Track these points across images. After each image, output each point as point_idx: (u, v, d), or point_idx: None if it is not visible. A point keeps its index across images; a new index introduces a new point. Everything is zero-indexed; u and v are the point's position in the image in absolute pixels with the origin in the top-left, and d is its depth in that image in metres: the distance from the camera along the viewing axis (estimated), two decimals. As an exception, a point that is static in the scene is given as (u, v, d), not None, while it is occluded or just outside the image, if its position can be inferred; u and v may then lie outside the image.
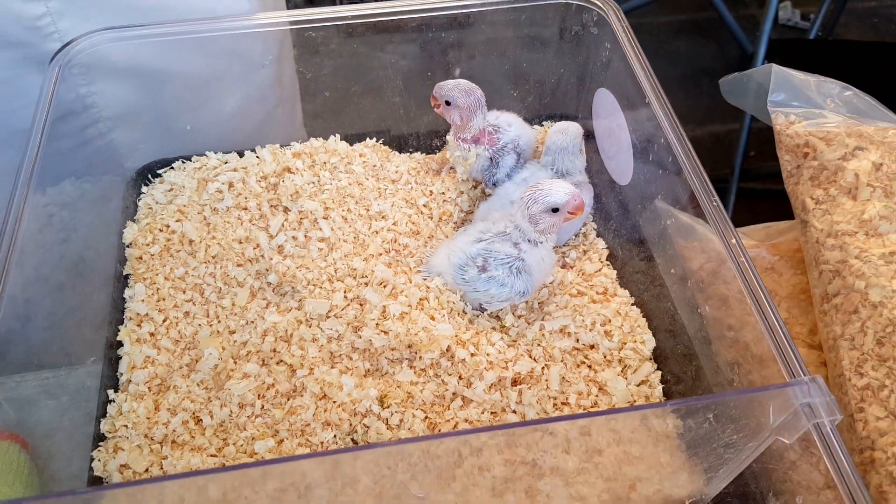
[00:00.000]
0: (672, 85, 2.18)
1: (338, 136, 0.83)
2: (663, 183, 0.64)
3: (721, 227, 0.54)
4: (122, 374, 0.65)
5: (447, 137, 0.78)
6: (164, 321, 0.68)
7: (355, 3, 0.94)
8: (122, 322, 0.69)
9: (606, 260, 0.74)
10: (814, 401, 0.44)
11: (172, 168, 0.81)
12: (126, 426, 0.61)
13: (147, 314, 0.69)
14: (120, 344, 0.67)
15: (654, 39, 2.39)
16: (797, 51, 1.75)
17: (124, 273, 0.73)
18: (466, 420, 0.61)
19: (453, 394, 0.62)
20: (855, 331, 0.56)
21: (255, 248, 0.72)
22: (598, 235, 0.77)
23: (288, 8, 0.85)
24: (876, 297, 0.56)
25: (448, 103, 0.73)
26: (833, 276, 0.59)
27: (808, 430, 0.44)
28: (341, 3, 2.19)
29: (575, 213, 0.65)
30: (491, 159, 0.76)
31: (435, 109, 0.75)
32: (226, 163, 0.81)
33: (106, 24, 0.74)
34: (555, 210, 0.64)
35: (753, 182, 1.79)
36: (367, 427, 0.60)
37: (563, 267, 0.74)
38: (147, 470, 0.59)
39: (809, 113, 0.68)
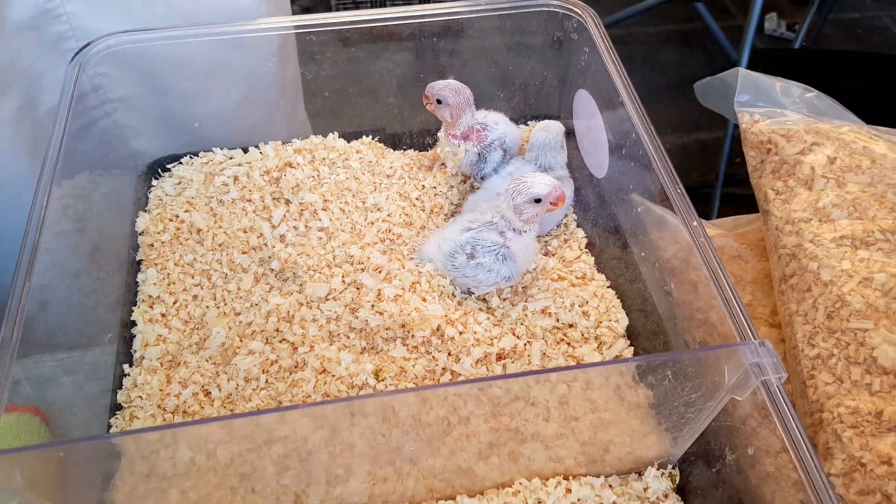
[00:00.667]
0: (661, 93, 2.23)
1: (336, 133, 0.87)
2: (636, 176, 0.69)
3: (684, 213, 0.59)
4: (135, 351, 0.68)
5: (438, 135, 0.82)
6: (174, 303, 0.72)
7: (350, 10, 0.98)
8: (135, 304, 0.72)
9: (585, 248, 0.78)
10: (762, 361, 0.48)
11: (181, 163, 0.85)
12: (140, 397, 0.65)
13: (159, 296, 0.72)
14: (133, 324, 0.70)
15: (643, 49, 2.43)
16: (781, 60, 1.78)
17: (137, 259, 0.76)
18: (455, 393, 0.65)
19: (443, 368, 0.65)
20: (808, 307, 0.61)
21: (258, 237, 0.76)
22: (577, 225, 0.81)
23: (293, 9, 0.89)
24: (827, 277, 0.61)
25: (439, 101, 0.77)
26: (790, 259, 0.64)
27: (756, 388, 0.49)
28: (337, 10, 2.24)
29: (556, 203, 0.68)
30: (479, 155, 0.79)
31: (427, 107, 0.78)
32: (231, 158, 0.85)
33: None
34: (537, 201, 0.68)
35: (737, 187, 1.84)
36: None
37: (546, 254, 0.78)
38: (160, 438, 0.64)
39: (772, 112, 0.73)
